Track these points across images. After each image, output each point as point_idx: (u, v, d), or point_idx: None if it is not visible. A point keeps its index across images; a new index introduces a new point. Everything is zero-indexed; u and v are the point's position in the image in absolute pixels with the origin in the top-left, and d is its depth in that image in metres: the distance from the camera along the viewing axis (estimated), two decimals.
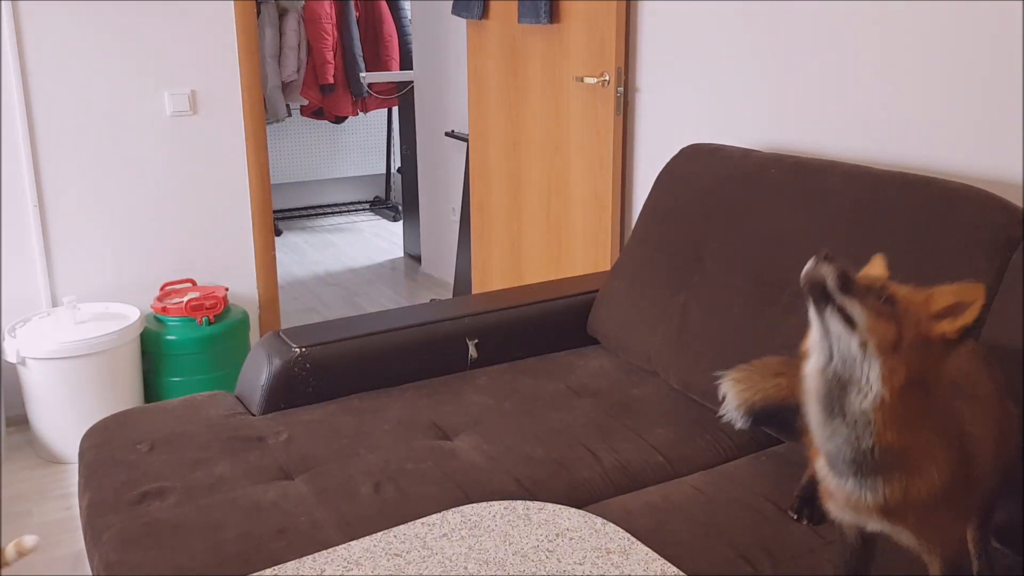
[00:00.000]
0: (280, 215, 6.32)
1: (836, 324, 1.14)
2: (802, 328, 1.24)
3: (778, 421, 1.85)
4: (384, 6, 5.79)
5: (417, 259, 5.31)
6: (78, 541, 2.48)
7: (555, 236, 3.35)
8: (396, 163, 6.51)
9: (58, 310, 3.12)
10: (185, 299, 3.21)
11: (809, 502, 1.60)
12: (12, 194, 3.12)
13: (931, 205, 1.81)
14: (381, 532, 1.38)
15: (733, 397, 1.65)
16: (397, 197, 6.59)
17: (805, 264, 1.15)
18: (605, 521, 1.39)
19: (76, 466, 2.03)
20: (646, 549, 1.32)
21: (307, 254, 5.63)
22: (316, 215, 6.54)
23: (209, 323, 3.20)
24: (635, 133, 3.05)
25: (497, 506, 1.43)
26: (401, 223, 5.76)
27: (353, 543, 1.35)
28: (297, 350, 2.10)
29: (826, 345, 1.16)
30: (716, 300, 2.11)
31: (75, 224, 3.24)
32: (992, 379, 1.36)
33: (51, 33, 3.08)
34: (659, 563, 1.29)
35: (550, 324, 2.45)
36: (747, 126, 2.63)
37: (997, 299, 1.63)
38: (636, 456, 1.89)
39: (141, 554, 1.54)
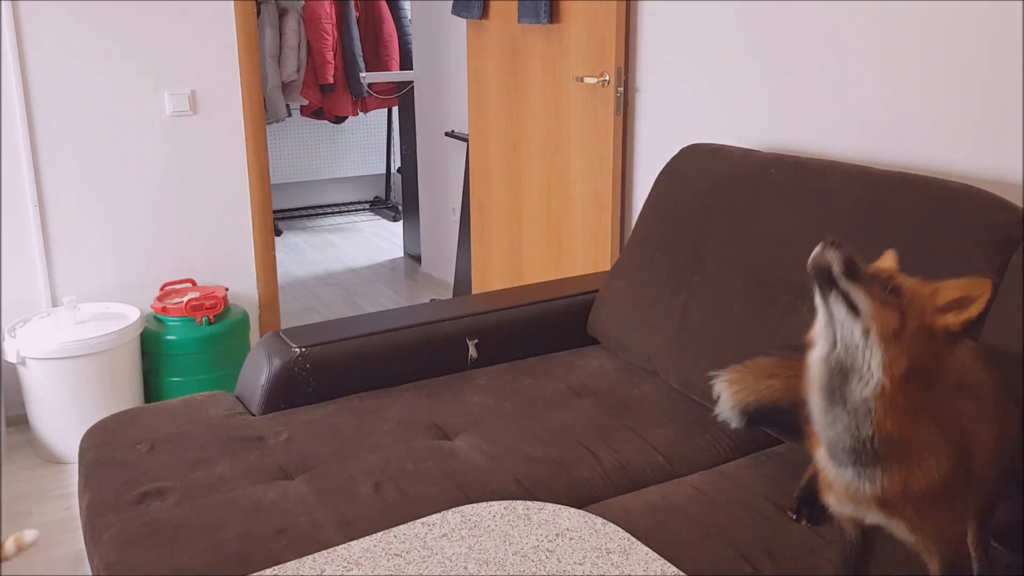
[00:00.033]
0: (280, 215, 6.32)
1: (840, 310, 1.15)
2: (802, 328, 1.24)
3: (772, 421, 1.86)
4: (384, 6, 5.79)
5: (417, 259, 5.31)
6: (78, 541, 2.48)
7: (555, 236, 3.35)
8: (396, 163, 6.51)
9: (58, 310, 3.12)
10: (185, 299, 3.21)
11: (808, 502, 1.61)
12: (12, 194, 3.12)
13: (931, 205, 1.81)
14: (381, 532, 1.38)
15: (727, 398, 1.65)
16: (397, 197, 6.59)
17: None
18: (605, 521, 1.39)
19: (76, 466, 2.03)
20: (646, 549, 1.32)
21: (307, 254, 5.63)
22: (316, 215, 6.54)
23: (209, 323, 3.20)
24: (635, 133, 3.05)
25: (497, 506, 1.43)
26: (401, 223, 5.77)
27: (353, 543, 1.35)
28: (297, 350, 2.10)
29: (830, 332, 1.17)
30: (716, 300, 2.11)
31: (75, 224, 3.24)
32: (993, 380, 1.36)
33: (51, 33, 3.08)
34: (659, 563, 1.29)
35: (550, 324, 2.45)
36: (747, 126, 2.63)
37: (997, 299, 1.63)
38: (636, 456, 1.89)
39: (141, 554, 1.54)
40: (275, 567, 1.31)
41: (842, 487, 1.24)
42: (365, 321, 2.32)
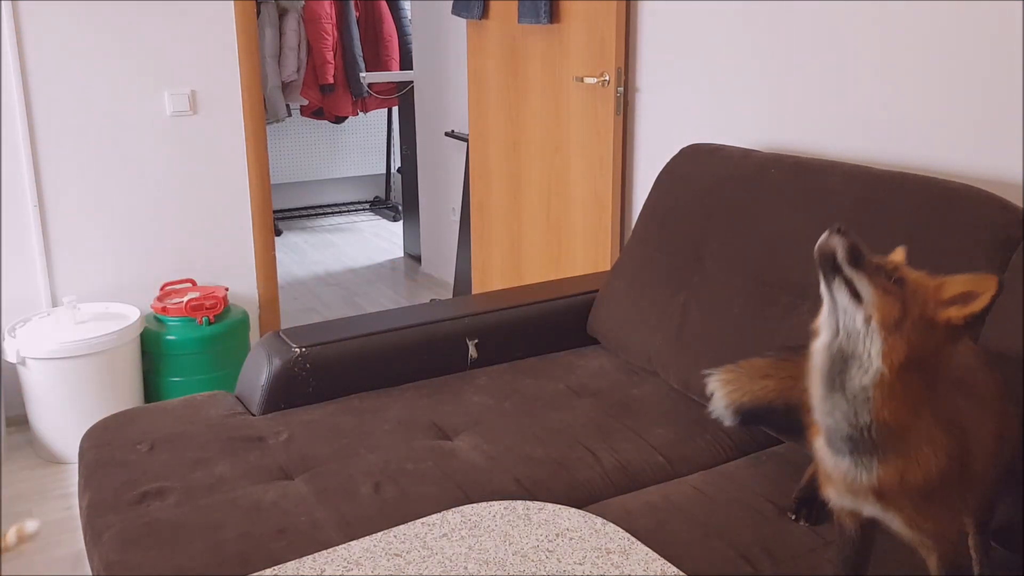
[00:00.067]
0: (280, 215, 6.32)
1: (843, 297, 1.16)
2: (802, 328, 1.24)
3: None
4: (384, 6, 5.79)
5: (417, 259, 5.31)
6: (78, 541, 2.48)
7: (555, 236, 3.35)
8: (396, 163, 6.51)
9: (58, 310, 3.12)
10: (185, 299, 3.21)
11: (807, 503, 1.61)
12: (12, 194, 3.12)
13: (931, 205, 1.81)
14: (381, 532, 1.38)
15: (721, 397, 1.66)
16: (397, 197, 6.59)
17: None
18: (605, 521, 1.39)
19: (76, 466, 2.03)
20: (646, 549, 1.32)
21: (307, 254, 5.63)
22: (316, 215, 6.54)
23: (209, 323, 3.20)
24: (635, 133, 3.05)
25: (497, 506, 1.43)
26: (401, 223, 5.77)
27: (353, 543, 1.35)
28: (297, 350, 2.10)
29: (833, 319, 1.18)
30: (716, 300, 2.11)
31: (75, 224, 3.24)
32: (993, 380, 1.37)
33: (51, 33, 3.08)
34: (659, 563, 1.29)
35: (550, 324, 2.45)
36: (747, 126, 2.63)
37: (997, 299, 1.63)
38: (636, 456, 1.89)
39: (141, 554, 1.54)
40: (275, 567, 1.30)
41: (840, 477, 1.25)
42: (365, 321, 2.32)
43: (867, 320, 1.14)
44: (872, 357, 1.15)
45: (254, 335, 3.56)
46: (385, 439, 1.92)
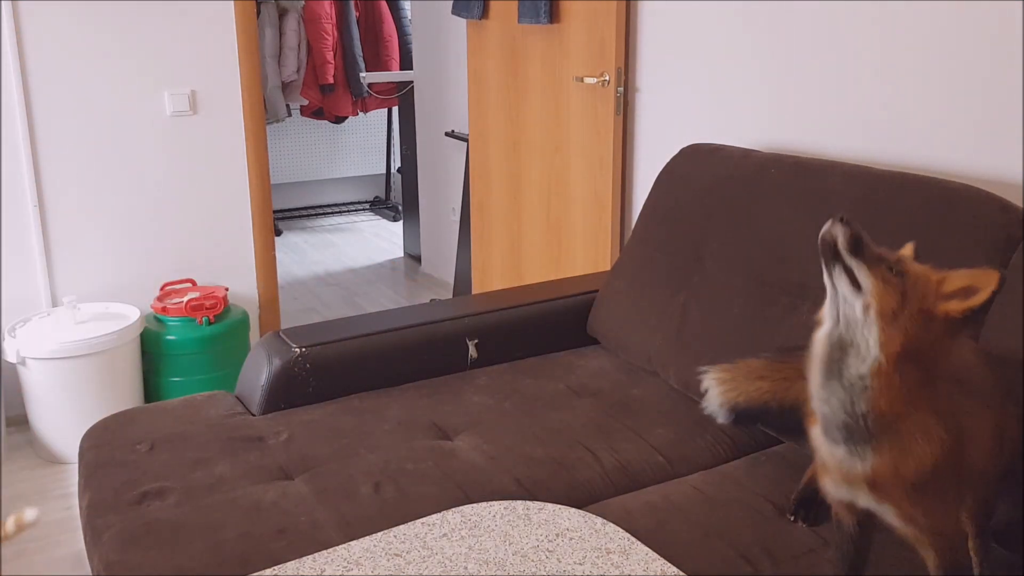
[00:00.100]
0: (280, 215, 6.32)
1: (843, 285, 1.17)
2: (802, 329, 1.24)
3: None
4: (384, 6, 5.79)
5: (417, 259, 5.31)
6: (78, 541, 2.48)
7: (555, 236, 3.35)
8: (396, 163, 6.51)
9: (58, 310, 3.12)
10: (185, 299, 3.21)
11: (806, 504, 1.61)
12: (12, 194, 3.12)
13: (931, 205, 1.81)
14: (381, 532, 1.38)
15: (716, 395, 1.66)
16: (397, 197, 6.59)
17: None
18: (605, 521, 1.39)
19: (76, 466, 2.03)
20: (646, 549, 1.32)
21: (307, 254, 5.63)
22: (316, 215, 6.54)
23: (209, 323, 3.20)
24: (635, 133, 3.05)
25: (497, 506, 1.43)
26: (401, 223, 5.77)
27: (353, 543, 1.35)
28: (297, 350, 2.10)
29: (834, 308, 1.19)
30: (716, 300, 2.11)
31: (75, 224, 3.24)
32: (993, 379, 1.37)
33: (51, 33, 3.08)
34: (659, 563, 1.29)
35: (550, 324, 2.45)
36: (747, 126, 2.63)
37: (997, 299, 1.63)
38: (636, 456, 1.89)
39: (141, 554, 1.54)
40: (275, 567, 1.31)
41: (835, 466, 1.25)
42: (365, 321, 2.32)
43: (866, 309, 1.15)
44: (870, 346, 1.15)
45: (254, 335, 3.56)
46: (385, 439, 1.92)
